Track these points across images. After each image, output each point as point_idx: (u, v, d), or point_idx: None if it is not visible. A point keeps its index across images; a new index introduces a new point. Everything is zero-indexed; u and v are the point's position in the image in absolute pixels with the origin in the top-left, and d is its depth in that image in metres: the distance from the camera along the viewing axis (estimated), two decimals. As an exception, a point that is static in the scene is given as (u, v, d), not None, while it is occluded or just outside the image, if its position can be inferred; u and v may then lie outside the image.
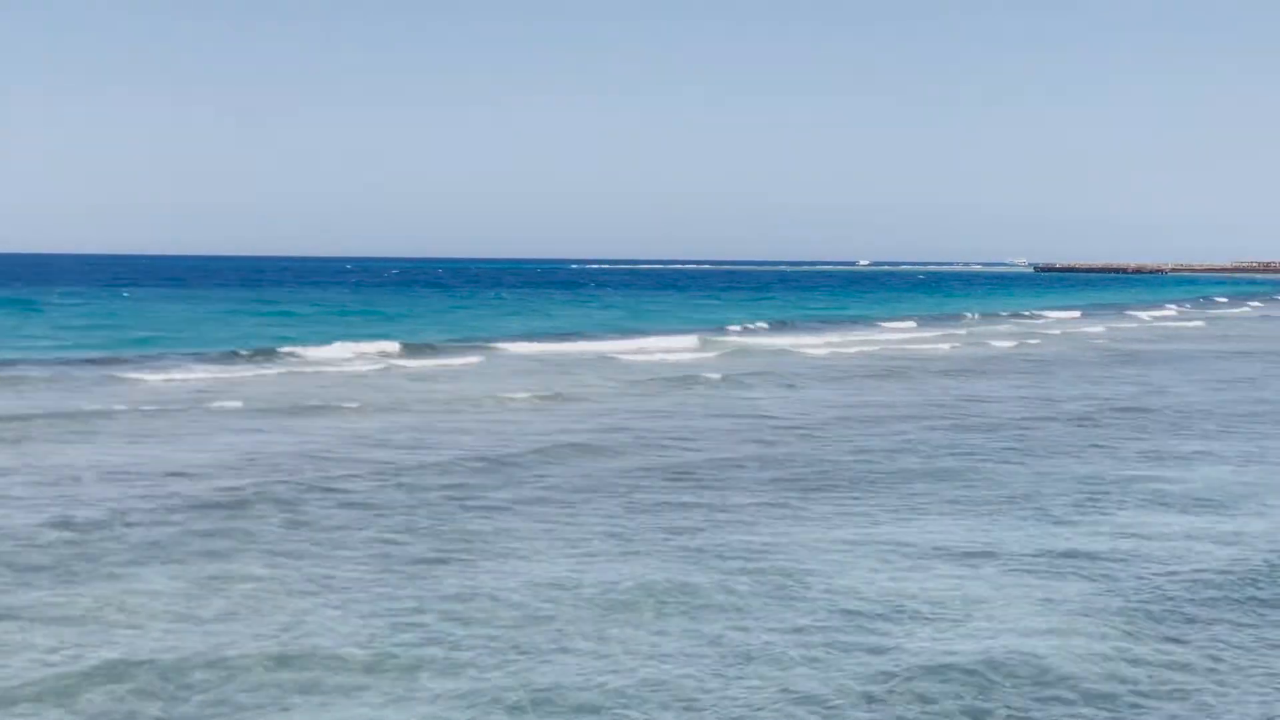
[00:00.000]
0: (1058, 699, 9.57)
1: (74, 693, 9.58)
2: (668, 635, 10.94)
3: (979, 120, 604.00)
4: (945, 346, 47.32)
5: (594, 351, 42.64)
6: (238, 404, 26.48)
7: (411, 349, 41.50)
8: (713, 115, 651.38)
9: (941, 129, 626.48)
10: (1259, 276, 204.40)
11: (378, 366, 36.47)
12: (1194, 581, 12.65)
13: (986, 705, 9.45)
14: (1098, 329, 58.91)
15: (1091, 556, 13.65)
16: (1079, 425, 24.15)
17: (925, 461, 19.85)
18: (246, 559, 13.46)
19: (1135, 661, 10.33)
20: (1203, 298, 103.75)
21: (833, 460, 19.88)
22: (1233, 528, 15.16)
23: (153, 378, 31.95)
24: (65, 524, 14.85)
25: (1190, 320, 68.58)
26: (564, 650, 10.55)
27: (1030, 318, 71.46)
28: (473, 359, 39.33)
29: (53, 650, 10.49)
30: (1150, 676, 10.02)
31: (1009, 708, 9.41)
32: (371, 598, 12.03)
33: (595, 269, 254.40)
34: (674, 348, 44.32)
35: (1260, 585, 12.56)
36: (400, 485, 17.56)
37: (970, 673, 10.00)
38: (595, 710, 9.35)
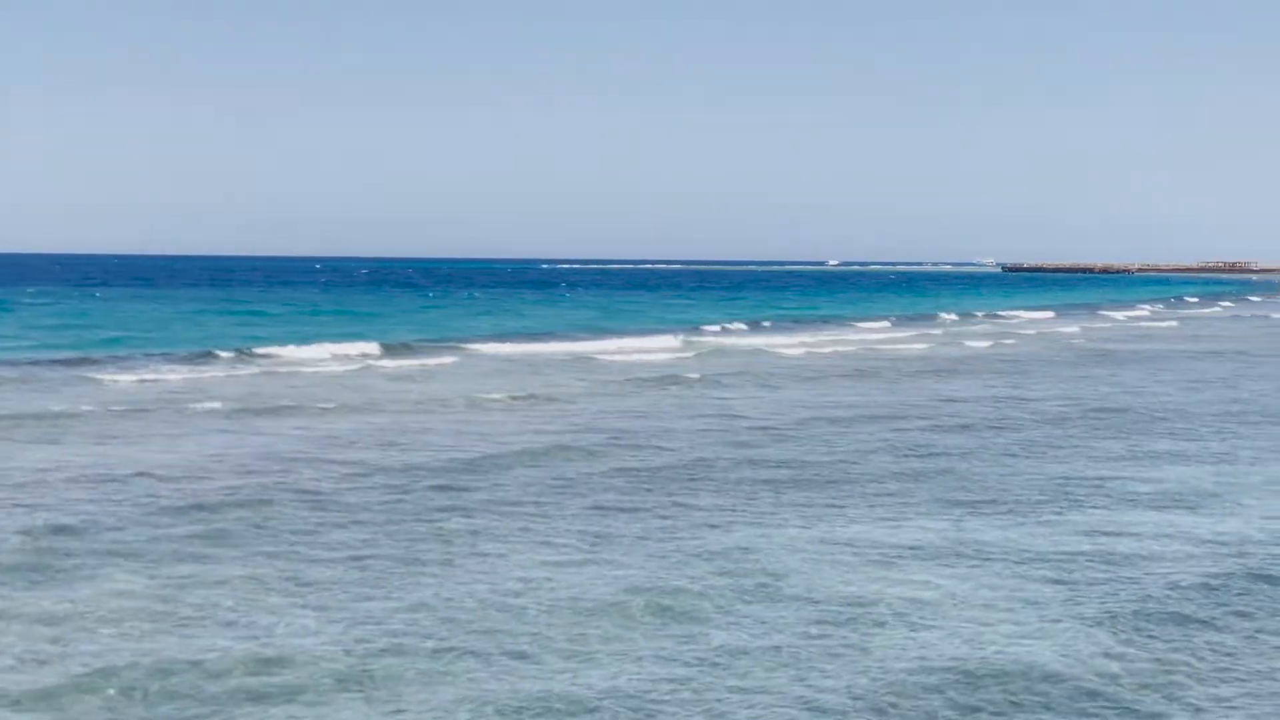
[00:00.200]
0: (1036, 699, 9.53)
1: (52, 697, 9.45)
2: (644, 639, 10.86)
3: (959, 120, 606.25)
4: (921, 346, 47.37)
5: (570, 352, 42.49)
6: (210, 405, 26.25)
7: (388, 349, 41.28)
8: (707, 115, 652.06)
9: (923, 129, 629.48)
10: (1225, 276, 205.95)
11: (353, 367, 36.27)
12: (1167, 580, 12.67)
13: (965, 706, 9.40)
14: (1073, 329, 59.08)
15: (1067, 555, 13.67)
16: (1054, 425, 24.17)
17: (900, 461, 19.82)
18: (221, 562, 13.30)
19: (1111, 661, 10.31)
20: (1174, 298, 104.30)
21: (808, 461, 19.82)
22: (1206, 526, 15.18)
23: (124, 378, 31.71)
24: (34, 527, 14.64)
25: (1163, 320, 68.90)
26: (541, 654, 10.46)
27: (1004, 318, 71.67)
28: (449, 360, 39.15)
29: (26, 655, 10.36)
30: (1128, 676, 9.98)
31: (988, 708, 9.37)
32: (349, 599, 11.90)
33: (565, 269, 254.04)
34: (650, 348, 44.20)
35: (1233, 584, 12.58)
36: (377, 487, 17.42)
37: (947, 673, 9.97)
38: (572, 715, 9.26)
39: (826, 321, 66.70)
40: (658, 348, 44.46)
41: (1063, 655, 10.40)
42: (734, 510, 16.04)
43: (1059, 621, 11.32)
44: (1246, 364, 39.11)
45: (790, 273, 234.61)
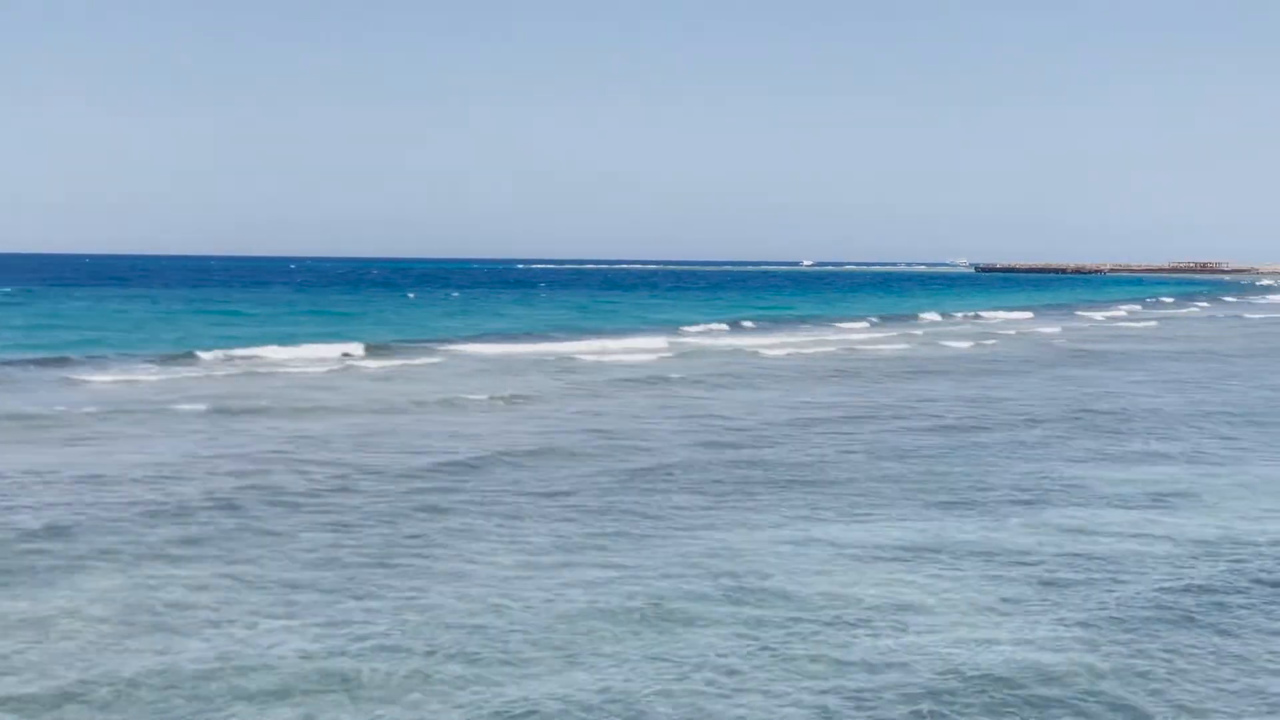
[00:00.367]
0: (1014, 700, 9.48)
1: (26, 703, 9.23)
2: (625, 641, 10.71)
3: (934, 120, 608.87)
4: (902, 347, 47.29)
5: (552, 353, 42.26)
6: (187, 406, 25.90)
7: (369, 350, 40.87)
8: (676, 116, 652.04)
9: (894, 130, 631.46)
10: (1197, 277, 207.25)
11: (334, 368, 35.93)
12: (1139, 579, 12.69)
13: (945, 707, 9.34)
14: (1053, 329, 59.13)
15: (1039, 554, 13.68)
16: (1037, 426, 24.06)
17: (881, 462, 19.69)
18: (198, 565, 13.07)
19: (1088, 661, 10.25)
20: (1150, 298, 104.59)
21: (789, 462, 19.66)
22: (1185, 526, 15.19)
23: (99, 379, 31.33)
24: (7, 530, 14.35)
25: (1142, 321, 69.03)
26: (522, 659, 10.28)
27: (984, 318, 71.61)
28: (430, 360, 38.88)
29: None
30: (1104, 676, 9.94)
31: (968, 709, 9.31)
32: (326, 603, 11.70)
33: (541, 269, 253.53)
34: (632, 348, 43.95)
35: (1209, 583, 12.60)
36: (356, 489, 17.18)
37: (927, 674, 9.93)
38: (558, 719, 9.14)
39: (806, 321, 66.63)
40: (639, 348, 44.19)
41: (1039, 655, 10.38)
42: (713, 511, 15.91)
43: (1036, 621, 11.29)
44: (1224, 364, 39.19)
45: (766, 273, 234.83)
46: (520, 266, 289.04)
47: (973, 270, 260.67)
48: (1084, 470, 19.06)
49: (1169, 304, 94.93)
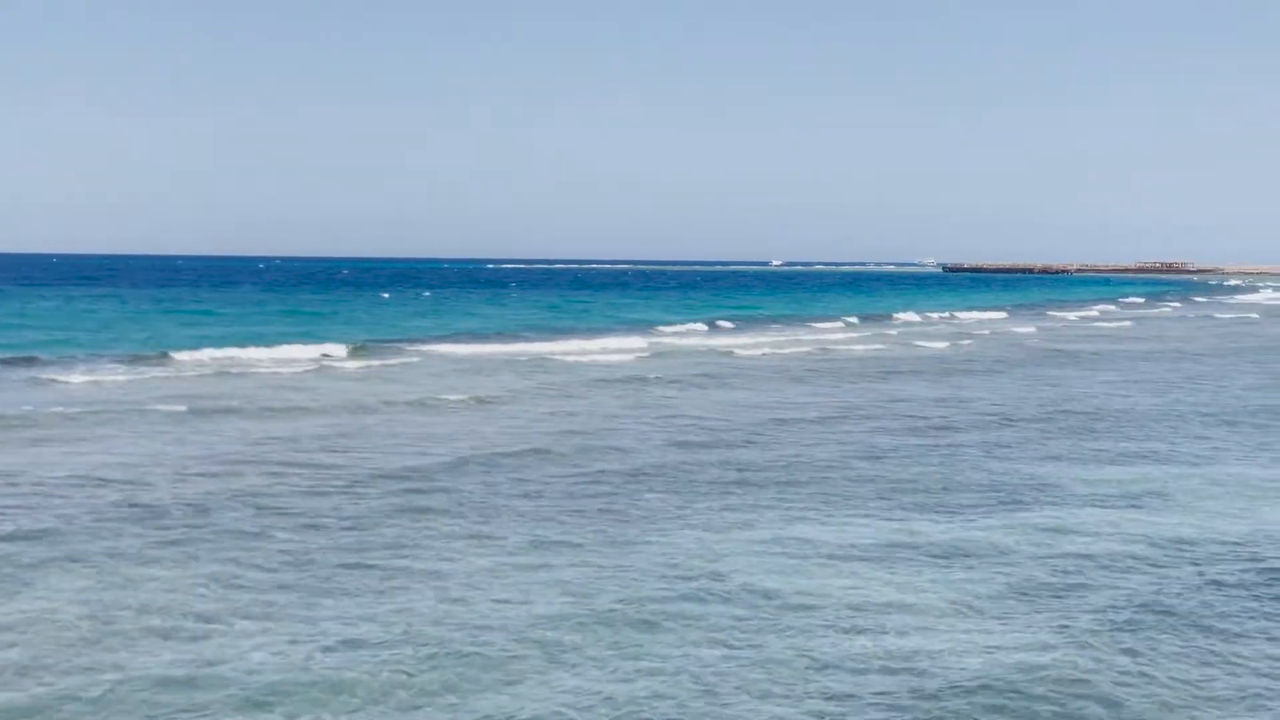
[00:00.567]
0: (988, 699, 9.46)
1: None
2: (598, 644, 10.60)
3: (908, 119, 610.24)
4: (878, 347, 47.23)
5: (528, 353, 42.05)
6: (156, 407, 25.57)
7: (342, 350, 40.55)
8: (644, 114, 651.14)
9: (865, 130, 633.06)
10: (1163, 277, 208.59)
11: (307, 368, 35.58)
12: (1113, 577, 12.77)
13: (917, 707, 9.32)
14: (1028, 329, 59.25)
15: (1011, 552, 13.75)
16: (1010, 426, 24.04)
17: (854, 463, 19.60)
18: (167, 567, 12.87)
19: (1060, 660, 10.25)
20: (1122, 298, 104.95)
21: (764, 463, 19.56)
22: (1151, 523, 15.26)
23: (68, 379, 30.99)
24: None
25: (1115, 321, 69.21)
26: (498, 664, 10.13)
27: (959, 318, 71.59)
28: (405, 360, 38.62)
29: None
30: (1074, 674, 9.95)
31: (941, 709, 9.28)
32: (295, 608, 11.53)
33: (510, 269, 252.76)
34: (610, 349, 43.71)
35: (1179, 581, 12.69)
36: (328, 491, 16.98)
37: (899, 673, 9.94)
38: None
39: (780, 321, 66.62)
40: (616, 348, 43.96)
41: (1014, 655, 10.38)
42: (689, 512, 15.84)
43: (1011, 621, 11.29)
44: (1197, 363, 39.34)
45: (735, 273, 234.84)
46: (490, 266, 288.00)
47: (940, 270, 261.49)
48: (1059, 469, 19.05)
49: (1140, 304, 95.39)
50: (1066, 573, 12.96)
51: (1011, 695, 9.54)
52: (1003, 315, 74.34)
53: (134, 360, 36.52)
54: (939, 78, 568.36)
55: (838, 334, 55.34)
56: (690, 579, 12.57)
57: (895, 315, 72.81)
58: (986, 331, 57.84)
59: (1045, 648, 10.58)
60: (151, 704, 9.26)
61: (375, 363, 37.51)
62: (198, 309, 69.88)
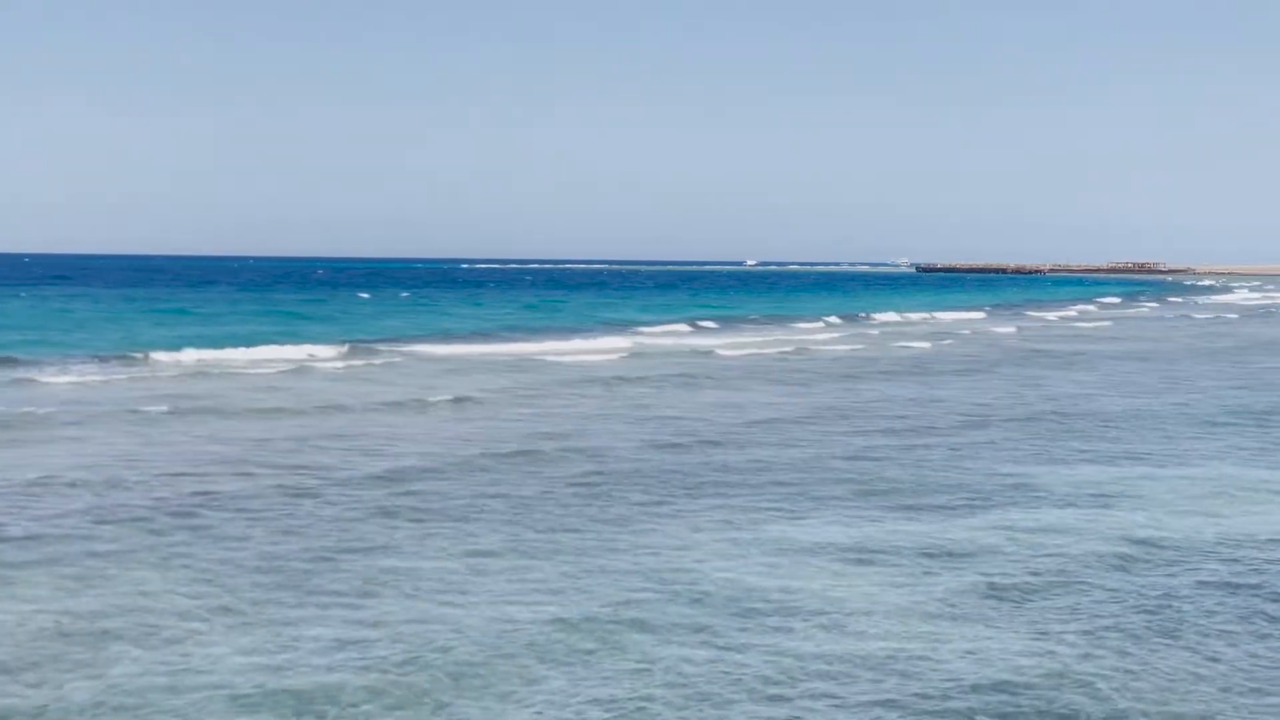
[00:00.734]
0: (959, 698, 9.43)
1: None
2: (574, 648, 10.48)
3: (878, 118, 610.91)
4: (859, 347, 47.18)
5: (513, 354, 41.88)
6: (131, 408, 25.20)
7: (322, 350, 40.22)
8: (611, 113, 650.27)
9: (834, 130, 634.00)
10: (1135, 277, 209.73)
11: (287, 368, 35.24)
12: (1070, 574, 12.84)
13: (891, 706, 9.30)
14: (1008, 329, 59.27)
15: (982, 551, 13.77)
16: (993, 427, 23.95)
17: (833, 463, 19.52)
18: (140, 572, 12.62)
19: (1033, 661, 10.24)
20: (1099, 298, 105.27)
21: (744, 464, 19.43)
22: (1124, 523, 15.29)
23: (41, 379, 30.67)
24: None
25: (1095, 321, 69.29)
26: (469, 671, 9.95)
27: (938, 318, 71.54)
28: (388, 361, 38.33)
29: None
30: (1049, 675, 9.93)
31: (914, 708, 9.26)
32: (270, 613, 11.31)
33: (484, 269, 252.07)
34: (592, 349, 43.46)
35: (1147, 579, 12.74)
36: (305, 493, 16.77)
37: (872, 672, 9.94)
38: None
39: (763, 322, 66.51)
40: (597, 349, 43.75)
41: (987, 656, 10.37)
42: (667, 514, 15.72)
43: (985, 622, 11.30)
44: (1174, 364, 39.39)
45: (712, 273, 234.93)
46: (465, 266, 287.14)
47: (914, 270, 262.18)
48: (1039, 470, 19.02)
49: (1118, 304, 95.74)
50: (1041, 573, 12.92)
51: (991, 695, 9.50)
52: (981, 315, 74.45)
53: (109, 360, 36.17)
54: (927, 78, 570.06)
55: (819, 334, 55.24)
56: (670, 581, 12.48)
57: (875, 315, 72.76)
58: (967, 331, 57.87)
59: (1024, 648, 10.55)
60: (131, 711, 9.09)
61: (356, 363, 37.25)
62: (174, 309, 69.24)
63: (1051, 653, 10.44)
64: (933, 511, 15.96)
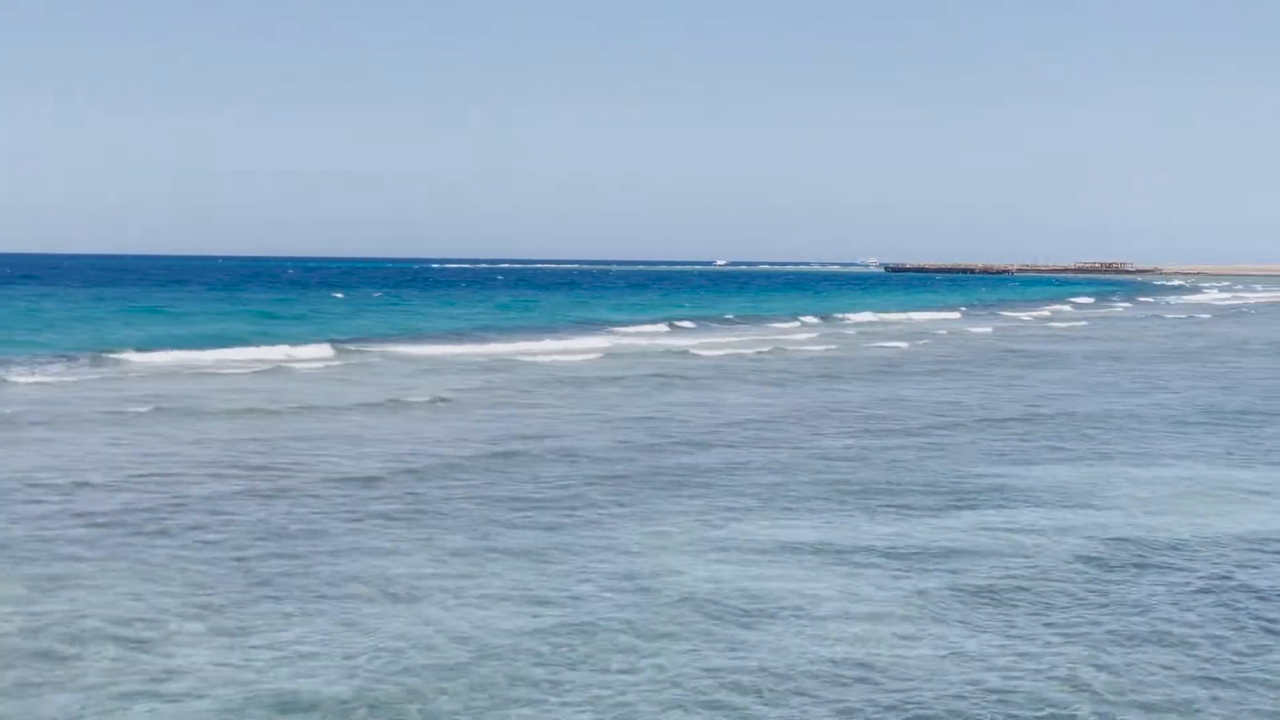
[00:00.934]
0: (922, 699, 9.40)
1: None
2: (545, 651, 10.35)
3: (847, 118, 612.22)
4: (836, 347, 47.02)
5: (492, 354, 41.57)
6: (101, 409, 24.85)
7: (300, 350, 39.76)
8: (570, 112, 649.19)
9: (808, 129, 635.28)
10: (1103, 277, 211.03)
11: (265, 369, 34.87)
12: (1043, 573, 12.86)
13: (863, 708, 9.24)
14: (985, 329, 59.34)
15: (957, 552, 13.76)
16: (970, 427, 23.89)
17: (811, 463, 19.42)
18: (106, 578, 12.34)
19: (1006, 661, 10.21)
20: (1072, 298, 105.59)
21: (720, 465, 19.31)
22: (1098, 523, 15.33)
23: (9, 379, 30.20)
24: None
25: (1070, 321, 69.33)
26: (446, 671, 9.86)
27: (915, 319, 71.41)
28: (365, 361, 38.07)
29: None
30: (1012, 673, 9.91)
31: (886, 711, 9.21)
32: (236, 620, 11.09)
33: (455, 268, 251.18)
34: (570, 349, 43.16)
35: (1117, 577, 12.77)
36: (275, 494, 16.57)
37: (835, 671, 9.91)
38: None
39: (737, 322, 66.52)
40: (576, 349, 43.44)
41: (959, 656, 10.35)
42: (643, 515, 15.59)
43: (956, 622, 11.29)
44: (1150, 364, 39.50)
45: (683, 272, 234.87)
46: (435, 266, 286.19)
47: (883, 270, 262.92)
48: (1015, 470, 18.99)
49: (1091, 304, 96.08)
50: (1016, 574, 12.89)
51: (965, 696, 9.45)
52: (956, 315, 74.53)
53: (78, 360, 35.79)
54: (914, 78, 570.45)
55: (796, 334, 55.12)
56: (645, 583, 12.37)
57: (850, 315, 72.69)
58: (943, 331, 57.87)
59: (999, 648, 10.52)
60: (108, 716, 8.93)
61: (332, 363, 36.98)
62: (145, 308, 68.48)
63: (1026, 653, 10.41)
64: (908, 512, 15.92)
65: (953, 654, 10.38)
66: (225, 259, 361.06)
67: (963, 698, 9.42)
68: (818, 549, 13.89)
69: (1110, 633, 10.98)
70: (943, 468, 19.16)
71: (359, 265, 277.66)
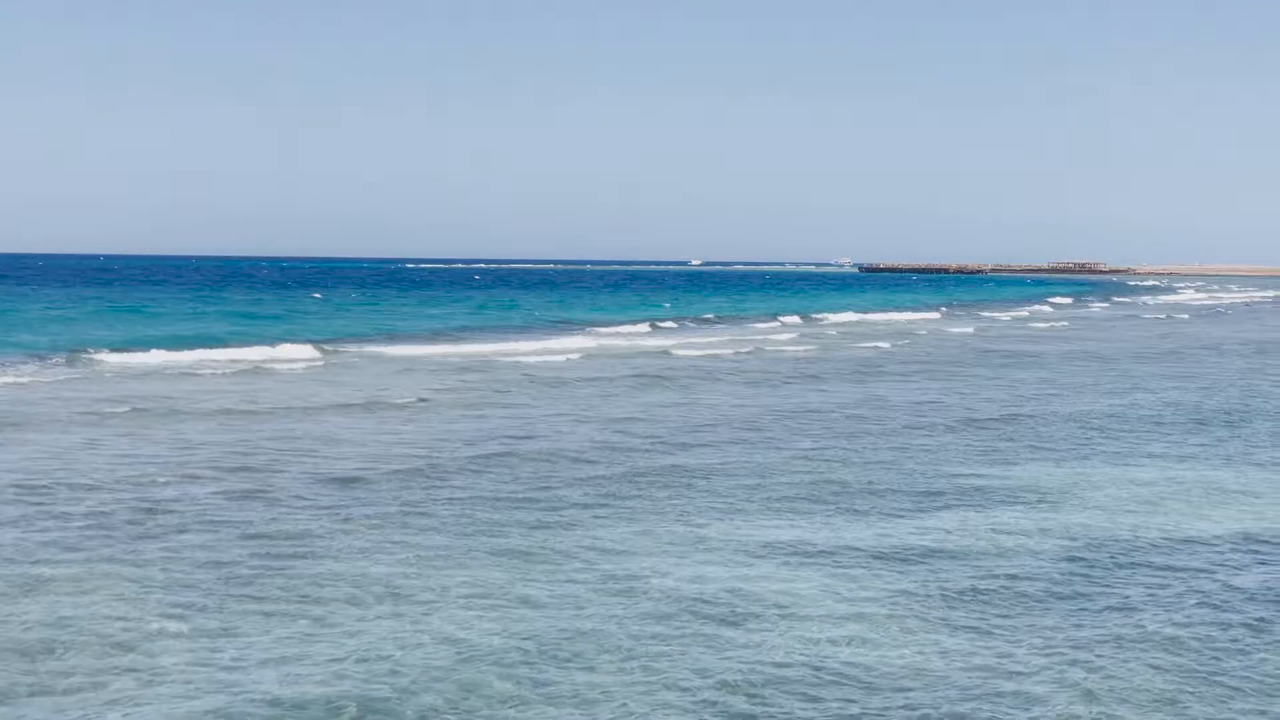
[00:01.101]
0: (896, 697, 9.44)
1: None
2: (520, 654, 10.28)
3: (816, 117, 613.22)
4: (816, 347, 46.95)
5: (471, 354, 41.53)
6: (72, 409, 24.65)
7: (281, 350, 39.53)
8: (524, 112, 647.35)
9: (776, 130, 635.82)
10: (1078, 276, 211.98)
11: (245, 369, 34.70)
12: (1024, 574, 12.89)
13: (840, 708, 9.24)
14: (966, 329, 59.50)
15: (935, 553, 13.76)
16: (939, 428, 23.86)
17: (793, 464, 19.37)
18: (85, 581, 12.21)
19: (968, 658, 10.23)
20: (1051, 298, 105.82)
21: (698, 466, 19.25)
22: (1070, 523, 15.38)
23: None
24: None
25: (1049, 321, 69.49)
26: (429, 674, 9.75)
27: (896, 318, 71.42)
28: (347, 362, 37.91)
29: None
30: (981, 672, 9.92)
31: (850, 707, 9.25)
32: (222, 626, 10.93)
33: (429, 268, 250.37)
34: (552, 349, 43.05)
35: (1087, 576, 12.83)
36: (261, 498, 16.39)
37: (808, 672, 9.91)
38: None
39: (718, 322, 66.48)
40: (557, 349, 43.32)
41: (932, 654, 10.38)
42: (622, 516, 15.54)
43: (929, 622, 11.30)
44: (1124, 364, 39.63)
45: (660, 272, 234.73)
46: (409, 266, 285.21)
47: (857, 270, 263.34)
48: (995, 470, 19.00)
49: (1069, 304, 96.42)
50: (994, 574, 12.89)
51: (925, 695, 9.47)
52: (936, 316, 74.66)
53: (53, 361, 35.52)
54: (896, 81, 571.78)
55: (778, 334, 55.04)
56: (622, 585, 12.30)
57: (831, 315, 72.72)
58: (924, 332, 57.90)
59: (974, 648, 10.52)
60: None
61: (316, 364, 36.78)
62: (123, 308, 67.96)
63: (1007, 653, 10.41)
64: (890, 512, 15.92)
65: (935, 654, 10.36)
66: (199, 259, 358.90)
67: (945, 698, 9.39)
68: (799, 549, 13.87)
69: (1092, 632, 10.98)
70: (924, 468, 19.16)
71: (334, 265, 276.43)
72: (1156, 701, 9.37)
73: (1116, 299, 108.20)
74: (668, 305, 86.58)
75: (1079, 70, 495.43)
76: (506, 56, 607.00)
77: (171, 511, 15.36)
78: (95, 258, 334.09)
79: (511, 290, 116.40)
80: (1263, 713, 9.23)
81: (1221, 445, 21.73)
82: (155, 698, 9.23)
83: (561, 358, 39.87)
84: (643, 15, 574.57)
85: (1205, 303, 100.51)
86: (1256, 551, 13.97)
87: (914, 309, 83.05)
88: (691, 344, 46.70)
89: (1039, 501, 16.64)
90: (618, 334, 54.24)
